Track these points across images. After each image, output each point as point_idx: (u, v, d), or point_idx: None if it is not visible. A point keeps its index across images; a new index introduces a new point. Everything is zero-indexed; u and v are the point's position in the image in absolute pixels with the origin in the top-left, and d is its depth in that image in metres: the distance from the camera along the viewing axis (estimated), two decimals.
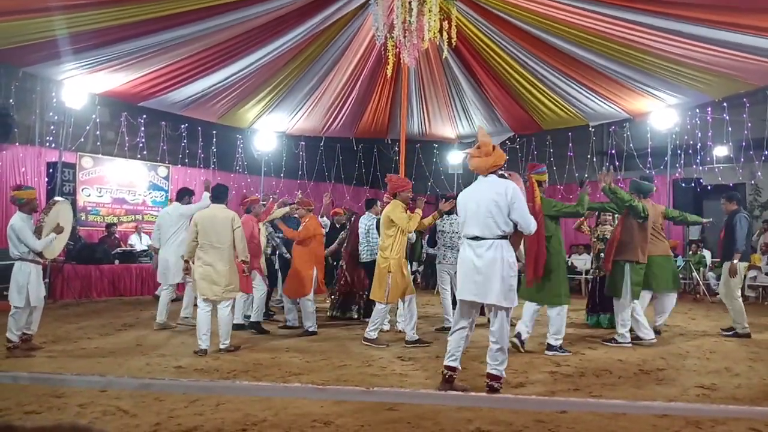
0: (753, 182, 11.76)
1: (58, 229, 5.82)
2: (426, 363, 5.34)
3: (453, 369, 4.32)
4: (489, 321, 4.41)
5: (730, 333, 6.77)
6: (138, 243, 11.57)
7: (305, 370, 5.03)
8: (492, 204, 4.14)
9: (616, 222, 6.77)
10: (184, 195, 7.69)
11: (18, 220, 5.59)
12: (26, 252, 5.58)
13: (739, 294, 6.89)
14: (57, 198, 6.57)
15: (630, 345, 6.14)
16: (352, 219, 8.55)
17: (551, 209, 5.77)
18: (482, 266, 4.13)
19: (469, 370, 5.05)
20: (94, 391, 4.05)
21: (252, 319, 7.11)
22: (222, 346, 5.78)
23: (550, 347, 5.74)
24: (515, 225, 4.20)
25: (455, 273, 7.19)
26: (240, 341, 6.26)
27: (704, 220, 7.68)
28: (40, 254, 5.71)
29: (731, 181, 11.65)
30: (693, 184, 11.53)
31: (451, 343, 4.35)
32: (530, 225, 4.20)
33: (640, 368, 5.13)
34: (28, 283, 5.53)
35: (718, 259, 11.71)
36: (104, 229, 11.46)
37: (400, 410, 3.71)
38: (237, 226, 5.86)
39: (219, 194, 6.07)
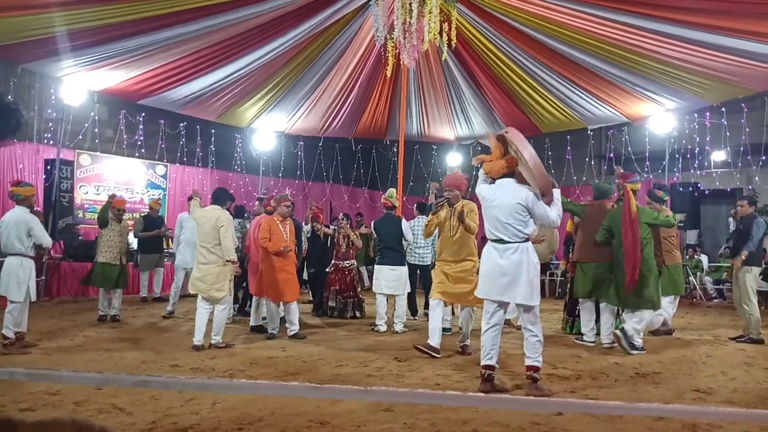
0: (750, 187, 11.76)
1: None
2: (422, 364, 5.34)
3: (491, 368, 4.38)
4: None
5: (744, 339, 6.72)
6: (134, 242, 11.52)
7: (302, 370, 5.02)
8: (513, 212, 4.28)
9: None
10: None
11: (29, 215, 5.62)
12: (29, 247, 5.61)
13: (755, 300, 6.81)
14: (37, 208, 6.59)
15: (592, 344, 6.31)
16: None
17: (651, 218, 6.09)
18: (509, 268, 4.27)
19: (465, 371, 5.05)
20: (90, 389, 4.05)
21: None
22: (212, 341, 5.89)
23: (633, 347, 5.90)
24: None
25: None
26: (236, 341, 6.26)
27: None
28: (39, 249, 5.78)
29: (729, 186, 11.68)
30: (690, 189, 11.56)
31: (485, 342, 4.41)
32: (553, 222, 4.37)
33: (637, 371, 5.13)
34: (29, 278, 5.57)
35: (716, 263, 11.79)
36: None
37: (396, 411, 3.71)
38: (221, 225, 5.89)
39: (219, 197, 6.20)
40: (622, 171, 6.60)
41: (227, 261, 5.96)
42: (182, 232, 8.74)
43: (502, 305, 4.42)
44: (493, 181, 4.53)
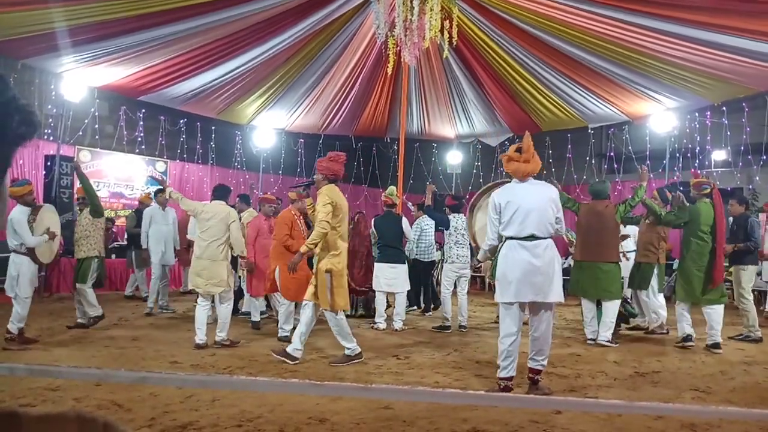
0: (751, 187, 11.76)
1: (51, 234, 5.83)
2: (421, 362, 5.34)
3: (511, 379, 4.28)
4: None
5: (741, 337, 6.76)
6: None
7: (301, 368, 5.02)
8: (548, 206, 4.25)
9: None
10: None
11: (18, 213, 5.63)
12: (19, 244, 5.60)
13: (751, 298, 6.89)
14: (40, 204, 6.47)
15: (592, 342, 6.41)
16: (356, 218, 8.48)
17: None
18: (543, 266, 4.16)
19: (465, 369, 5.05)
20: (90, 385, 4.05)
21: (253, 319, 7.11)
22: (217, 338, 5.86)
23: (716, 345, 6.13)
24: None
25: (463, 273, 7.31)
26: (236, 338, 6.27)
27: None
28: (33, 254, 5.75)
29: (729, 186, 11.66)
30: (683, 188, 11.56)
31: (509, 353, 4.23)
32: (563, 227, 4.45)
33: (636, 370, 5.14)
34: (18, 275, 5.56)
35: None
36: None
37: (395, 408, 3.71)
38: (232, 220, 5.89)
39: (223, 193, 6.16)
40: (697, 179, 6.65)
41: (238, 256, 5.93)
42: (151, 226, 8.13)
43: (524, 307, 4.33)
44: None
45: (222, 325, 5.90)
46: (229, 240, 5.89)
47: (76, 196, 6.90)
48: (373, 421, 3.51)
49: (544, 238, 4.22)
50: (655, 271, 7.09)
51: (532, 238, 4.19)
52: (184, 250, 8.55)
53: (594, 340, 6.39)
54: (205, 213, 5.91)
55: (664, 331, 7.11)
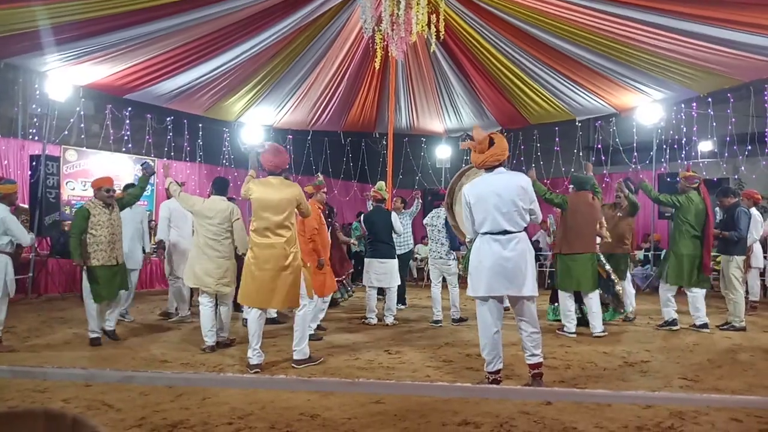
0: (736, 177, 11.90)
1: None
2: (412, 356, 5.35)
3: (499, 372, 4.30)
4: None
5: (726, 326, 6.84)
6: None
7: (291, 364, 5.01)
8: (516, 198, 4.15)
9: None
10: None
11: (6, 212, 5.53)
12: (5, 244, 5.52)
13: (742, 288, 7.02)
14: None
15: (574, 335, 6.41)
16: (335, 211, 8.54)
17: None
18: (515, 259, 4.11)
19: (455, 362, 5.07)
20: (79, 386, 4.01)
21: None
22: (219, 339, 5.77)
23: (705, 325, 6.68)
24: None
25: (443, 268, 7.35)
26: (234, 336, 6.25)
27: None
28: (18, 247, 5.68)
29: (715, 176, 11.78)
30: (678, 179, 11.64)
31: (492, 346, 4.23)
32: (540, 216, 4.38)
33: (625, 360, 5.18)
34: (5, 274, 5.49)
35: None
36: None
37: (386, 403, 3.72)
38: (236, 218, 5.76)
39: (223, 187, 5.98)
40: (688, 172, 7.24)
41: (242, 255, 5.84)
42: None
43: (502, 301, 4.33)
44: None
45: (226, 326, 5.83)
46: (232, 236, 5.75)
47: (108, 191, 5.91)
48: (364, 416, 3.51)
49: (517, 232, 4.17)
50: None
51: (505, 233, 4.15)
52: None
53: (575, 333, 6.41)
54: (208, 210, 5.71)
55: (632, 317, 7.44)
